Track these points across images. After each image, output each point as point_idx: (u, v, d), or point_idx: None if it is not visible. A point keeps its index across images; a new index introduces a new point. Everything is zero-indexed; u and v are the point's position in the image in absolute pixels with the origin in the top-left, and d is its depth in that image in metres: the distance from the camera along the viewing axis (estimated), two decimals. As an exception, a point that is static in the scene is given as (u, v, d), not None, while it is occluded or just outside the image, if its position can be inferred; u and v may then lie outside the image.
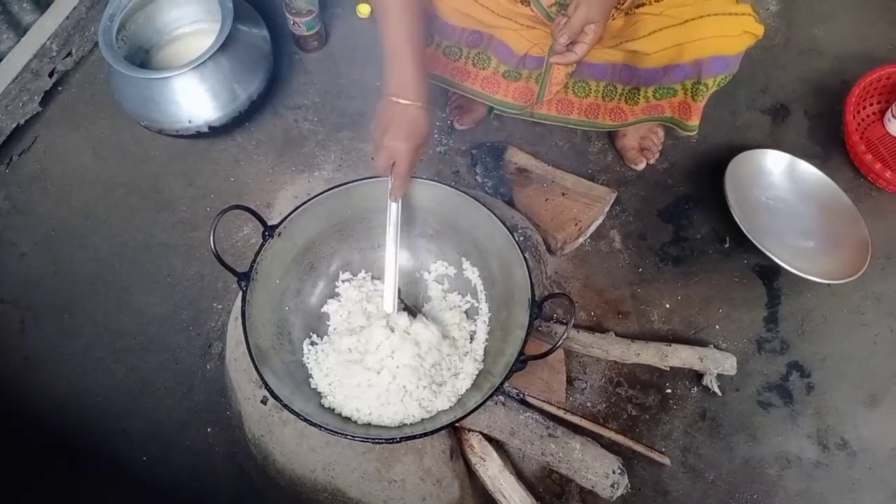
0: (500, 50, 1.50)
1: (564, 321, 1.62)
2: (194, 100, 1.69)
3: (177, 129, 1.72)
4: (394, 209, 1.31)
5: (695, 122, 1.50)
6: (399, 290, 1.44)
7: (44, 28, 1.79)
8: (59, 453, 1.52)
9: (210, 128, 1.73)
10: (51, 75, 1.85)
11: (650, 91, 1.50)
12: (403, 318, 1.38)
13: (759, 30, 1.36)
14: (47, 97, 1.87)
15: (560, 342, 1.18)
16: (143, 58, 1.84)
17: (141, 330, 1.65)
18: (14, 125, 1.80)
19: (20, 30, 1.76)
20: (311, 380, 1.36)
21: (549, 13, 1.44)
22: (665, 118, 1.54)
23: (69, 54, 1.88)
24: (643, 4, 1.44)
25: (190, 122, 1.70)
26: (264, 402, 1.41)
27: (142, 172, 1.82)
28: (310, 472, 1.35)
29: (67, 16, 1.82)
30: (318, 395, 1.34)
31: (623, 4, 1.44)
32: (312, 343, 1.41)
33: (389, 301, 1.35)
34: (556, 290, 1.66)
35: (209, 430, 1.56)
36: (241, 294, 1.37)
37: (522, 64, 1.51)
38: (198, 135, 1.75)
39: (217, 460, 1.53)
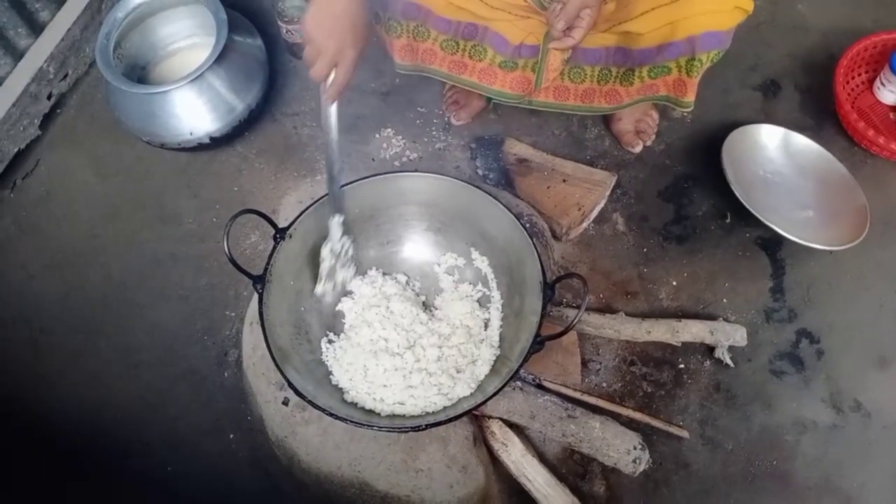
0: (495, 41, 1.52)
1: (574, 305, 1.64)
2: (194, 112, 1.71)
3: (179, 142, 1.73)
4: (332, 111, 1.24)
5: (690, 98, 1.52)
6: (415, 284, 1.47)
7: (40, 51, 1.81)
8: (82, 471, 1.54)
9: (211, 139, 1.75)
10: (49, 98, 1.87)
11: (645, 71, 1.52)
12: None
13: (750, 5, 1.39)
14: (46, 120, 1.89)
15: (576, 319, 1.20)
16: (139, 75, 1.86)
17: (156, 343, 1.66)
18: (16, 150, 1.82)
19: (16, 54, 1.78)
20: (331, 377, 1.38)
21: (541, 2, 1.47)
22: (660, 97, 1.57)
23: (66, 76, 1.90)
24: None
25: (191, 133, 1.72)
26: (286, 403, 1.42)
27: (145, 188, 1.84)
28: (336, 469, 1.37)
29: (62, 38, 1.84)
30: (340, 391, 1.36)
31: None
32: (330, 341, 1.43)
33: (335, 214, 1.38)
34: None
35: (231, 436, 1.57)
36: (256, 297, 1.39)
37: (518, 53, 1.53)
38: (199, 147, 1.77)
39: (241, 466, 1.55)
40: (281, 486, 1.50)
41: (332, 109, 1.24)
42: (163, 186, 1.84)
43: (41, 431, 1.56)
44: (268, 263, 1.34)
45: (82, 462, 1.54)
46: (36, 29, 1.81)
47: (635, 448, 1.44)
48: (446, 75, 1.61)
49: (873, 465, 1.53)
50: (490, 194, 1.40)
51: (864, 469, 1.52)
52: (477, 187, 1.42)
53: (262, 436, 1.50)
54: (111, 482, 1.52)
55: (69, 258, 1.75)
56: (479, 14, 1.48)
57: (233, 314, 1.68)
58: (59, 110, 1.92)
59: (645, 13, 1.43)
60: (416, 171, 1.45)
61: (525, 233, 1.35)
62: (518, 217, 1.38)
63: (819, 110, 1.94)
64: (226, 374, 1.63)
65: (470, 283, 1.49)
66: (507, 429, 1.46)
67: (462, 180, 1.43)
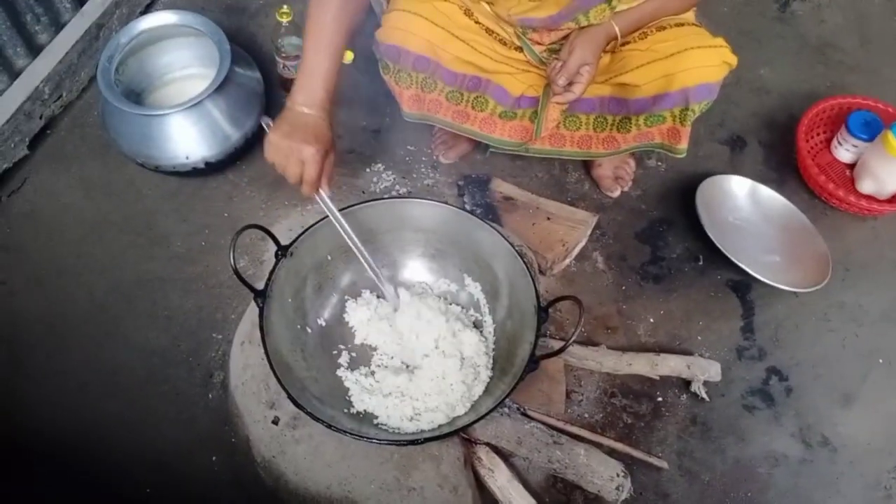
0: (497, 93, 1.61)
1: (559, 337, 1.68)
2: (192, 137, 1.74)
3: (174, 166, 1.76)
4: (323, 197, 1.38)
5: (684, 145, 1.63)
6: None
7: (37, 72, 1.82)
8: (61, 492, 1.49)
9: (207, 164, 1.78)
10: (40, 118, 1.88)
11: (641, 119, 1.63)
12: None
13: (734, 60, 1.51)
14: (35, 141, 1.89)
15: (574, 336, 1.24)
16: (134, 101, 1.88)
17: (139, 364, 1.64)
18: (3, 167, 1.81)
19: (13, 73, 1.79)
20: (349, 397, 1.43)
21: (540, 58, 1.58)
22: (655, 144, 1.67)
23: (59, 97, 1.92)
24: (628, 43, 1.58)
25: (187, 158, 1.74)
26: (276, 422, 1.42)
27: (134, 211, 1.85)
28: (325, 489, 1.37)
29: (60, 60, 1.86)
30: (344, 405, 1.39)
31: (608, 46, 1.57)
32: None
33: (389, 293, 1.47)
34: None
35: (214, 458, 1.55)
36: (247, 318, 1.41)
37: (518, 104, 1.63)
38: (193, 172, 1.79)
39: (223, 488, 1.52)
40: (265, 508, 1.48)
41: (323, 199, 1.37)
42: (151, 210, 1.85)
43: (20, 451, 1.52)
44: (269, 279, 1.36)
45: (61, 483, 1.50)
46: (34, 50, 1.83)
47: (619, 475, 1.48)
48: (450, 124, 1.69)
49: (842, 498, 1.59)
50: (485, 221, 1.47)
51: (834, 501, 1.59)
52: (473, 215, 1.48)
53: (246, 458, 1.48)
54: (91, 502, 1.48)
55: (53, 276, 1.73)
56: (484, 67, 1.57)
57: (219, 336, 1.68)
58: (49, 131, 1.93)
59: (641, 66, 1.54)
60: (415, 197, 1.51)
61: (519, 258, 1.41)
62: (511, 245, 1.44)
63: (781, 165, 2.07)
64: (210, 395, 1.61)
65: (462, 308, 1.53)
66: (494, 455, 1.49)
67: (458, 208, 1.49)
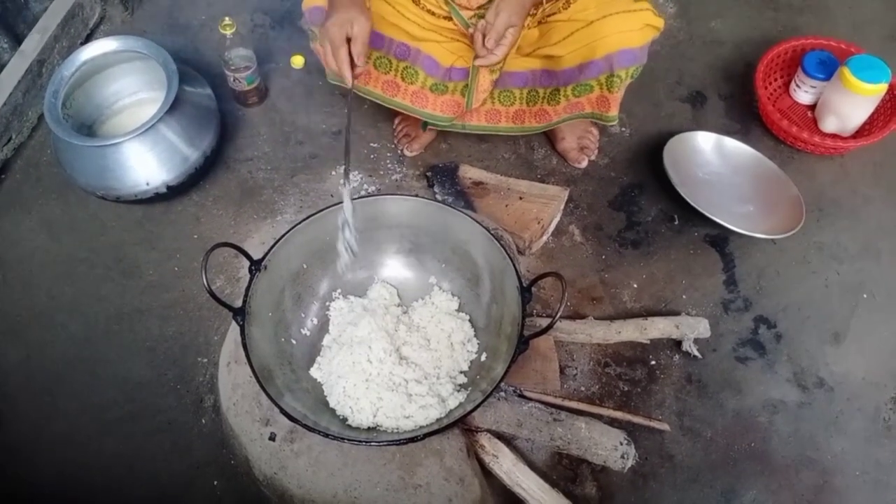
0: (426, 63, 1.60)
1: (546, 314, 1.68)
2: (149, 162, 1.71)
3: (135, 194, 1.72)
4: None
5: (614, 112, 1.63)
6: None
7: (-19, 117, 1.79)
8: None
9: (168, 188, 1.74)
10: (-8, 164, 1.84)
11: (569, 90, 1.63)
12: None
13: (660, 22, 1.51)
14: (-10, 187, 1.85)
15: (558, 314, 1.23)
16: (86, 133, 1.84)
17: (127, 398, 1.62)
18: (-40, 218, 1.77)
19: (-42, 121, 1.75)
20: (327, 398, 1.40)
21: (468, 24, 1.57)
22: (586, 114, 1.67)
23: (9, 140, 1.87)
24: (554, 14, 1.57)
25: (148, 184, 1.71)
26: (272, 438, 1.40)
27: (101, 245, 1.81)
28: (331, 498, 1.35)
29: (4, 102, 1.82)
30: (332, 413, 1.37)
31: (536, 14, 1.56)
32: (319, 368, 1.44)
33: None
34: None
35: (215, 482, 1.53)
36: (231, 338, 1.39)
37: (448, 76, 1.61)
38: (156, 197, 1.76)
39: (229, 512, 1.51)
40: (274, 526, 1.46)
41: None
42: (119, 242, 1.82)
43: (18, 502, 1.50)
44: (246, 295, 1.34)
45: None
46: (-24, 95, 1.79)
47: (622, 443, 1.47)
48: (381, 97, 1.68)
49: (843, 436, 1.60)
50: (458, 210, 1.45)
51: (836, 440, 1.60)
52: (445, 204, 1.46)
53: (248, 478, 1.46)
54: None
55: (27, 322, 1.70)
56: (411, 33, 1.56)
57: (205, 360, 1.66)
58: (3, 176, 1.88)
59: (566, 37, 1.54)
60: (384, 194, 1.49)
61: (496, 242, 1.40)
62: (486, 229, 1.43)
63: (743, 115, 2.08)
64: (203, 420, 1.59)
65: (447, 299, 1.52)
66: (496, 440, 1.48)
67: (429, 199, 1.48)
